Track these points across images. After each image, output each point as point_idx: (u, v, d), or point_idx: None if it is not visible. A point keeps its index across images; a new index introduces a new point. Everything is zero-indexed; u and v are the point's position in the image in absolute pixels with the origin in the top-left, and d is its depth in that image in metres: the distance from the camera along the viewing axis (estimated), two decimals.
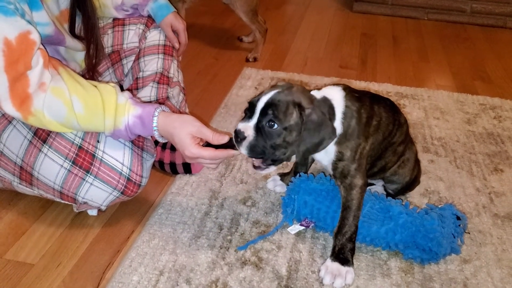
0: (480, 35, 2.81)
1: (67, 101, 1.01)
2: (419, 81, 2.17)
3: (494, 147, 1.65)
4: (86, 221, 1.22)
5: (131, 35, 1.44)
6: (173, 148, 1.39)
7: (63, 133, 1.09)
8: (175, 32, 1.46)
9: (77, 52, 1.29)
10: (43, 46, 1.03)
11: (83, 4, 1.18)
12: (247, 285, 1.05)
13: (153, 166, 1.39)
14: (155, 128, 1.06)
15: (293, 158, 1.10)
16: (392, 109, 1.17)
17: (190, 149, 1.05)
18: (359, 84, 2.07)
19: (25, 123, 1.07)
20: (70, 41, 1.21)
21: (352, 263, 1.08)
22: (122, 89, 1.17)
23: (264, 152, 1.04)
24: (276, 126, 1.01)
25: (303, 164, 1.29)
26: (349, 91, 1.10)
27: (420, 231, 1.09)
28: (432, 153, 1.59)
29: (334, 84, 1.13)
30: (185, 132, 1.05)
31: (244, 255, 1.13)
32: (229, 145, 1.07)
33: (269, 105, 1.02)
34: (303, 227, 1.19)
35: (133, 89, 1.43)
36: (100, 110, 1.03)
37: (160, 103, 1.29)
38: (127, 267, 1.07)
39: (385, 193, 1.31)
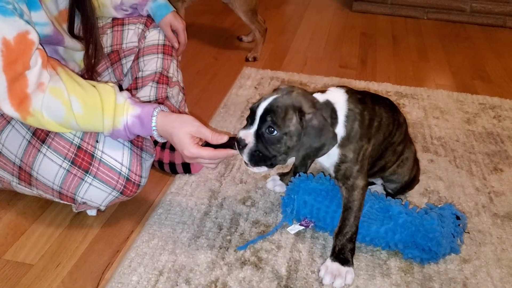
0: (479, 34, 2.81)
1: (65, 101, 1.00)
2: (418, 81, 2.17)
3: (494, 146, 1.64)
4: (85, 221, 1.22)
5: (130, 35, 1.44)
6: (172, 148, 1.38)
7: (62, 133, 1.09)
8: (174, 31, 1.46)
9: (76, 52, 1.29)
10: (42, 46, 1.03)
11: (82, 4, 1.17)
12: (247, 285, 1.04)
13: (153, 166, 1.39)
14: (154, 128, 1.06)
15: (290, 160, 1.09)
16: (391, 109, 1.17)
17: (189, 149, 1.05)
18: (358, 84, 2.07)
19: (23, 123, 1.07)
20: (69, 41, 1.20)
21: (352, 263, 1.08)
22: (121, 89, 1.17)
23: (265, 158, 1.03)
24: (275, 132, 1.00)
25: (303, 165, 1.29)
26: (351, 93, 1.09)
27: (419, 230, 1.08)
28: (432, 153, 1.59)
29: (337, 86, 1.11)
30: (184, 132, 1.05)
31: (243, 255, 1.12)
32: (228, 145, 1.06)
33: (267, 111, 1.00)
34: (303, 227, 1.19)
35: (133, 89, 1.43)
36: (99, 110, 1.03)
37: (159, 103, 1.28)
38: (127, 267, 1.07)
39: (384, 192, 1.31)
